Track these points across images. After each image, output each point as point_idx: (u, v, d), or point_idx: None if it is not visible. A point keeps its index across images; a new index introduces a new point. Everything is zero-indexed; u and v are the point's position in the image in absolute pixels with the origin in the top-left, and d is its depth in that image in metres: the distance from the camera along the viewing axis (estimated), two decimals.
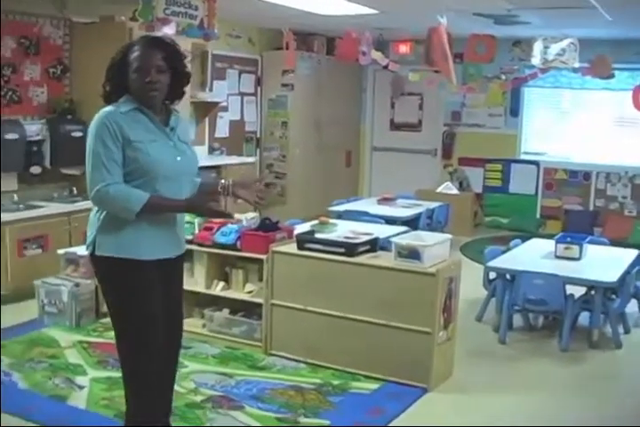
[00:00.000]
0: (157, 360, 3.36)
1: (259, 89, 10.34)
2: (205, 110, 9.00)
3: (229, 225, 5.34)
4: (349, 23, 8.35)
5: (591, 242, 6.33)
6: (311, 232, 5.45)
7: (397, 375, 4.73)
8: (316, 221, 6.20)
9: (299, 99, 10.22)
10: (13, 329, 5.62)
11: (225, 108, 9.62)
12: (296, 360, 5.08)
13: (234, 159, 9.30)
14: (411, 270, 4.63)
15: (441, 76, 8.26)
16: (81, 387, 4.55)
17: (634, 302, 6.14)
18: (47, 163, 6.91)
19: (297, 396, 4.53)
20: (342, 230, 5.70)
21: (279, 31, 8.36)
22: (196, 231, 5.40)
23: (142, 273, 3.27)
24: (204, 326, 5.52)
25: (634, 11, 6.92)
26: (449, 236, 5.07)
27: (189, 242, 5.19)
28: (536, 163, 10.67)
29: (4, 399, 4.29)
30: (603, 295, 5.55)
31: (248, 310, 5.40)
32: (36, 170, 6.85)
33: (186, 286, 4.99)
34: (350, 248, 4.89)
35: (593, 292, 5.62)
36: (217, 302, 5.55)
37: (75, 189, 7.11)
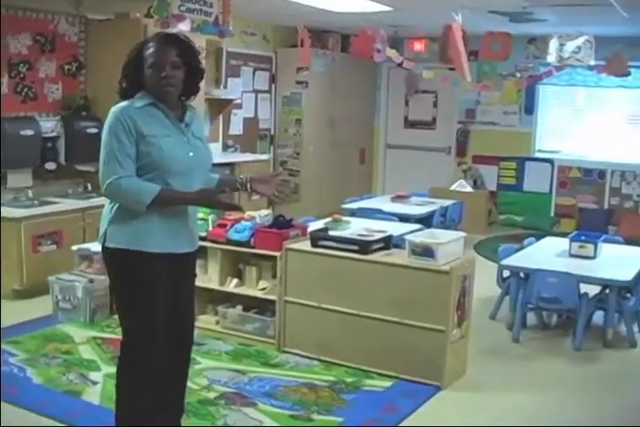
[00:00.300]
0: (156, 356, 3.36)
1: (273, 86, 10.34)
2: (220, 107, 9.01)
3: (243, 222, 5.35)
4: (364, 20, 8.34)
5: (606, 240, 6.30)
6: (325, 229, 5.45)
7: (410, 373, 4.72)
8: (329, 219, 6.19)
9: (313, 96, 10.21)
10: (28, 325, 5.64)
11: (239, 106, 9.62)
12: (309, 358, 5.08)
13: (248, 156, 9.30)
14: (424, 268, 4.62)
15: (455, 74, 8.25)
16: (95, 383, 4.56)
17: None
18: (62, 159, 6.94)
19: (310, 393, 4.53)
20: (356, 228, 5.69)
21: (294, 28, 8.38)
22: (210, 228, 5.41)
23: (150, 266, 3.29)
24: (217, 322, 5.53)
25: None
26: (463, 234, 5.05)
27: (203, 239, 5.21)
28: (550, 161, 10.64)
29: (19, 394, 4.33)
30: (617, 294, 5.52)
31: (261, 306, 5.41)
32: (50, 166, 6.88)
33: (199, 283, 5.02)
34: (364, 246, 4.89)
35: (607, 290, 5.59)
36: (230, 299, 5.56)
37: (89, 185, 7.13)
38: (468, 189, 10.42)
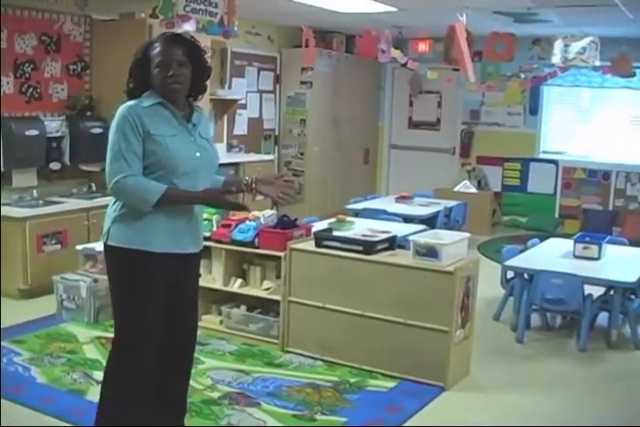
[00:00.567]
0: (146, 356, 3.36)
1: (277, 86, 10.34)
2: (224, 108, 9.04)
3: (247, 222, 5.35)
4: (368, 21, 8.35)
5: (610, 242, 6.30)
6: (329, 230, 5.46)
7: (414, 374, 4.72)
8: (333, 219, 6.20)
9: (317, 96, 10.21)
10: (32, 324, 5.66)
11: (244, 106, 9.64)
12: (313, 358, 5.08)
13: (252, 157, 9.32)
14: (429, 269, 4.62)
15: (460, 75, 8.25)
16: (99, 382, 4.52)
17: None
18: (67, 159, 6.95)
19: (314, 393, 4.53)
20: (360, 228, 5.69)
21: (298, 29, 8.37)
22: (214, 228, 5.42)
23: (151, 266, 3.28)
24: (221, 322, 5.53)
25: None
26: (467, 234, 5.05)
27: (207, 239, 5.21)
28: (555, 162, 10.63)
29: (24, 393, 4.35)
30: (622, 295, 5.52)
31: (265, 307, 5.41)
32: (55, 166, 6.89)
33: (203, 283, 5.03)
34: (368, 246, 4.89)
35: (612, 292, 5.59)
36: (234, 299, 5.56)
37: (93, 185, 7.15)
38: (473, 189, 10.43)
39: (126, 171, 3.17)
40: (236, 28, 6.86)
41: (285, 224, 5.31)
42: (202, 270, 5.03)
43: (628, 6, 6.80)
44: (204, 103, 6.18)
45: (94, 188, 7.13)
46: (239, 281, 5.48)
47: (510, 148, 10.76)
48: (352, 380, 4.76)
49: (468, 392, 4.68)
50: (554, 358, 5.39)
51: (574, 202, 10.51)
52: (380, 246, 4.96)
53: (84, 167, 7.04)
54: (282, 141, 10.42)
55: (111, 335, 5.32)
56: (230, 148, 9.41)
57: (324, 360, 5.04)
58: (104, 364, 4.77)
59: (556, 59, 8.01)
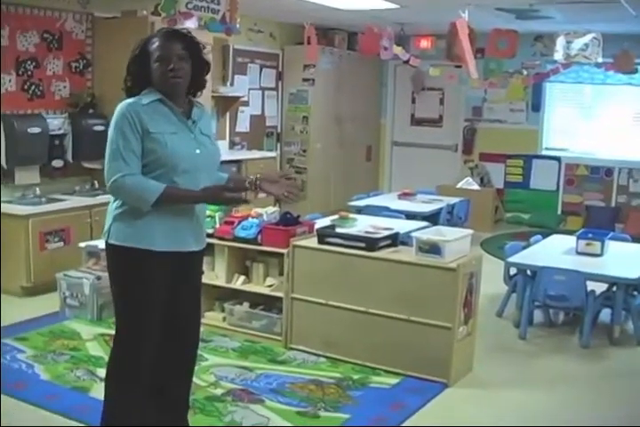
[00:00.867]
0: (147, 354, 3.35)
1: (279, 84, 10.34)
2: (226, 105, 9.04)
3: (250, 219, 5.35)
4: (370, 18, 8.35)
5: (613, 238, 6.30)
6: (332, 227, 5.46)
7: (417, 370, 4.73)
8: (336, 216, 6.20)
9: (319, 93, 10.21)
10: (35, 321, 5.67)
11: (246, 103, 9.63)
12: (316, 354, 5.09)
13: (255, 154, 9.33)
14: (431, 265, 4.62)
15: (462, 72, 8.24)
16: (102, 379, 4.53)
17: None
18: (69, 156, 6.96)
19: (317, 390, 4.54)
20: (362, 225, 5.69)
21: (300, 26, 8.38)
22: (217, 225, 5.42)
23: (153, 264, 3.26)
24: (224, 319, 5.54)
25: None
26: (470, 231, 5.04)
27: (210, 236, 5.22)
28: (557, 158, 10.61)
29: (27, 390, 4.36)
30: (624, 292, 5.51)
31: (268, 303, 5.42)
32: (58, 163, 6.89)
33: (206, 280, 5.04)
34: (371, 243, 4.89)
35: (614, 288, 5.59)
36: (237, 296, 5.57)
37: (96, 182, 7.14)
38: (475, 186, 10.43)
39: (124, 170, 3.15)
40: (238, 25, 6.87)
41: (288, 221, 5.31)
42: (205, 267, 5.02)
43: (630, 3, 6.79)
44: (206, 100, 6.19)
45: (97, 185, 7.12)
46: (242, 278, 5.48)
47: (513, 144, 10.76)
48: (355, 376, 4.76)
49: (471, 389, 4.69)
50: (556, 355, 5.39)
51: (577, 198, 10.50)
52: (382, 243, 4.97)
53: (86, 165, 7.04)
54: (284, 139, 10.42)
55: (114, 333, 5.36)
56: (233, 145, 9.40)
57: (327, 357, 5.05)
58: (107, 361, 4.82)
59: (559, 55, 8.00)
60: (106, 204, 3.36)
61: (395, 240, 5.07)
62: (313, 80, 10.08)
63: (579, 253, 5.99)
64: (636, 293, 5.75)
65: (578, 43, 7.81)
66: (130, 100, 3.26)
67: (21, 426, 3.96)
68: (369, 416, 4.21)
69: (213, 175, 3.48)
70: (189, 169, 3.25)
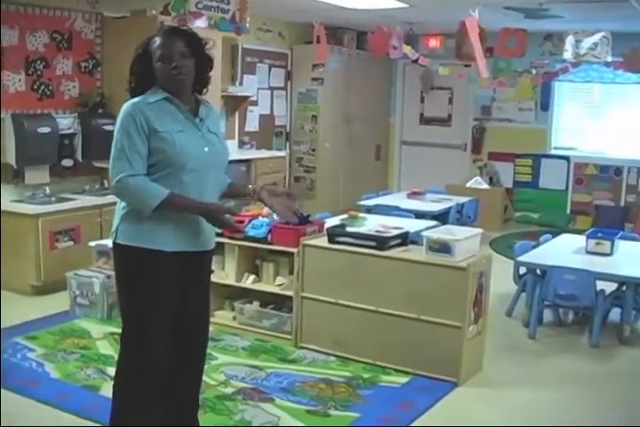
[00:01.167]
0: (154, 353, 3.33)
1: (288, 83, 10.35)
2: (235, 104, 9.03)
3: (260, 218, 5.36)
4: (379, 17, 8.36)
5: (622, 238, 6.29)
6: (342, 226, 5.46)
7: (427, 369, 4.73)
8: (345, 215, 6.20)
9: (328, 93, 10.21)
10: (46, 320, 5.69)
11: (255, 103, 9.63)
12: (326, 353, 5.09)
13: (264, 153, 9.33)
14: (442, 264, 4.62)
15: (471, 71, 8.23)
16: (112, 378, 4.57)
17: None
18: (79, 156, 6.97)
19: (327, 389, 4.55)
20: (372, 224, 5.70)
21: (309, 25, 8.38)
22: None
23: (160, 264, 3.23)
24: (234, 318, 5.55)
25: None
26: (480, 230, 5.04)
27: (220, 235, 5.22)
28: (566, 158, 10.60)
29: (38, 389, 4.39)
30: (634, 291, 5.50)
31: (278, 302, 5.42)
32: (67, 163, 6.90)
33: (216, 279, 5.06)
34: (381, 242, 4.90)
35: (624, 288, 5.58)
36: (247, 295, 5.58)
37: (105, 182, 7.14)
38: (484, 185, 10.41)
39: (128, 170, 3.12)
40: (247, 25, 6.88)
41: (298, 220, 5.30)
42: (215, 266, 5.05)
43: (639, 2, 6.78)
44: (215, 100, 6.20)
45: (106, 184, 7.12)
46: (252, 277, 5.49)
47: (522, 144, 10.74)
48: (365, 375, 4.77)
49: (480, 388, 4.68)
50: (566, 355, 5.39)
51: (586, 198, 10.48)
52: (392, 242, 4.97)
53: (96, 164, 7.04)
54: (293, 138, 10.43)
55: None
56: (242, 144, 9.41)
57: (337, 356, 5.05)
58: None
59: (568, 54, 8.00)
60: (115, 203, 3.35)
61: (405, 239, 5.07)
62: (322, 79, 10.09)
63: (588, 253, 5.98)
64: None
65: (587, 42, 7.80)
66: (135, 100, 3.24)
67: (33, 426, 3.97)
68: (379, 415, 4.21)
69: (221, 174, 3.44)
70: (197, 167, 3.22)
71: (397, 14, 8.35)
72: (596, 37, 7.80)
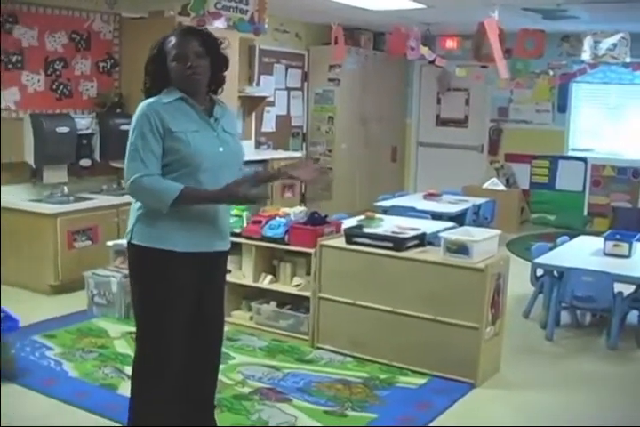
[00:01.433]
0: (170, 353, 3.33)
1: (305, 84, 10.36)
2: (252, 105, 9.05)
3: (278, 218, 5.36)
4: (396, 18, 8.35)
5: None
6: (359, 227, 5.46)
7: (444, 370, 4.72)
8: (362, 216, 6.20)
9: (345, 94, 10.22)
10: (63, 319, 5.71)
11: (272, 103, 9.66)
12: (343, 354, 5.09)
13: (280, 154, 9.33)
14: (459, 266, 4.61)
15: (488, 72, 8.21)
16: (129, 377, 4.58)
17: None
18: (97, 156, 6.99)
19: (344, 389, 4.54)
20: (388, 225, 5.69)
21: (326, 26, 8.39)
22: (245, 224, 5.44)
23: (175, 265, 3.23)
24: (251, 318, 5.56)
25: None
26: (498, 231, 5.03)
27: (238, 235, 5.25)
28: (584, 159, 10.56)
29: (56, 387, 4.41)
30: None
31: (295, 303, 5.43)
32: (85, 163, 6.93)
33: (234, 279, 5.07)
34: (399, 243, 4.89)
35: None
36: (264, 295, 5.58)
37: (122, 182, 7.17)
38: (501, 187, 10.38)
39: (142, 171, 3.12)
40: (265, 26, 6.89)
41: (316, 221, 5.31)
42: (232, 266, 5.07)
43: None
44: (231, 100, 6.21)
45: (123, 184, 7.14)
46: (269, 277, 5.49)
47: (539, 145, 10.71)
48: (382, 376, 4.76)
49: (498, 389, 4.67)
50: (583, 357, 5.36)
51: (603, 200, 10.43)
52: (410, 243, 4.96)
53: (113, 164, 7.06)
54: (310, 139, 10.44)
55: None
56: (258, 145, 9.43)
57: (353, 357, 5.05)
58: None
59: (586, 55, 7.98)
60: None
61: (422, 240, 5.07)
62: (338, 80, 10.09)
63: (606, 255, 5.95)
64: None
65: (606, 43, 7.78)
66: (150, 100, 3.23)
67: (51, 426, 4.00)
68: (396, 416, 4.21)
69: (236, 174, 3.39)
70: (212, 167, 3.21)
71: (414, 15, 8.35)
72: (615, 38, 7.78)
